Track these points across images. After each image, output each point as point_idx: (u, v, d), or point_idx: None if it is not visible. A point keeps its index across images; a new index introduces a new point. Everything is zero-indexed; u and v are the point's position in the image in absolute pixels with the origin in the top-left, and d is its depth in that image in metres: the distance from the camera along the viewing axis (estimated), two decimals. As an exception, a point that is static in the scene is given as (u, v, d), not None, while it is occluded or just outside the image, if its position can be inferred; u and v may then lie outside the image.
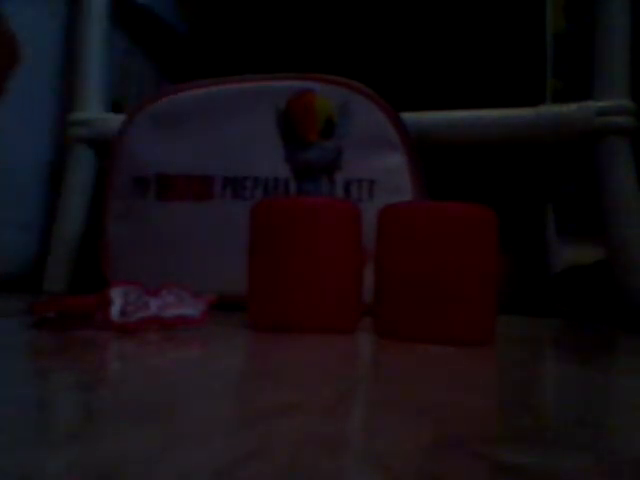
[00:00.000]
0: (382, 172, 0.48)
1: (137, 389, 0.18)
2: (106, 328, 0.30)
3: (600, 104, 0.51)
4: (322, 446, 0.13)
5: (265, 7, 0.67)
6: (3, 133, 0.59)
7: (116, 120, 0.58)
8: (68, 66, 0.65)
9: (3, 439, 0.13)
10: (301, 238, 0.34)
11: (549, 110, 0.53)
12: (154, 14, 0.74)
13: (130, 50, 0.73)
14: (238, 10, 0.68)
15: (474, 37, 0.62)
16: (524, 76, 0.61)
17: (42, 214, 0.63)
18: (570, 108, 0.52)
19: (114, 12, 0.66)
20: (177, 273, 0.47)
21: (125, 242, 0.52)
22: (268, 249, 0.34)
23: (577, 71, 0.63)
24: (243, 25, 0.68)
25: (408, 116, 0.51)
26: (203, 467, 0.11)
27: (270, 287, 0.34)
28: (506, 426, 0.16)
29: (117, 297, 0.31)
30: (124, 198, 0.52)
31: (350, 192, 0.48)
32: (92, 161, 0.63)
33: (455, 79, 0.61)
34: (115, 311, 0.30)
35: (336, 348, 0.30)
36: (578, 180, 0.64)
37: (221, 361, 0.26)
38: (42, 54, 0.63)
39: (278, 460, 0.12)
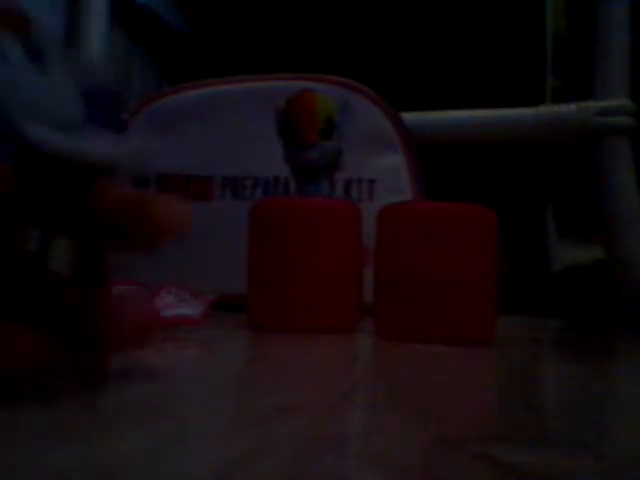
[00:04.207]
0: (382, 172, 0.48)
1: (137, 389, 0.18)
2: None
3: (600, 104, 0.51)
4: (322, 446, 0.13)
5: (265, 7, 0.67)
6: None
7: (116, 120, 0.58)
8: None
9: (4, 439, 0.13)
10: (301, 238, 0.34)
11: (549, 110, 0.53)
12: (154, 14, 0.74)
13: (130, 50, 0.73)
14: (239, 10, 0.68)
15: (474, 37, 0.62)
16: (524, 76, 0.61)
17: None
18: (570, 108, 0.52)
19: (114, 12, 0.66)
20: (177, 273, 0.47)
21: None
22: (268, 249, 0.34)
23: (577, 71, 0.63)
24: (243, 25, 0.68)
25: (408, 116, 0.51)
26: (203, 467, 0.11)
27: (270, 287, 0.34)
28: (506, 426, 0.16)
29: (117, 297, 0.31)
30: (124, 198, 0.52)
31: (350, 192, 0.48)
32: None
33: (455, 79, 0.61)
34: (115, 311, 0.30)
35: (336, 348, 0.30)
36: (578, 180, 0.64)
37: (221, 361, 0.26)
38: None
39: (278, 460, 0.12)
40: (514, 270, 0.60)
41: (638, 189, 0.50)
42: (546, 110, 0.53)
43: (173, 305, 0.32)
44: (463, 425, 0.15)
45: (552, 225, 0.68)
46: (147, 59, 0.75)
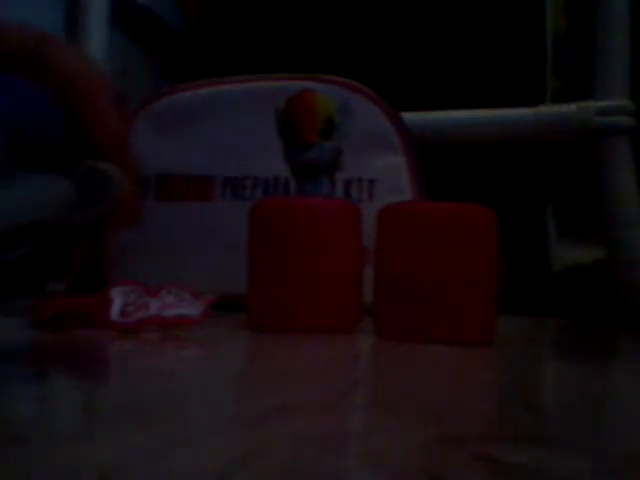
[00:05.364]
0: (382, 172, 0.48)
1: (137, 389, 0.18)
2: (106, 328, 0.30)
3: (600, 104, 0.51)
4: (322, 446, 0.13)
5: (265, 7, 0.67)
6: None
7: (116, 120, 0.58)
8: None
9: (3, 439, 0.13)
10: (301, 238, 0.34)
11: (549, 110, 0.53)
12: (154, 14, 0.74)
13: (130, 50, 0.73)
14: (238, 10, 0.68)
15: (474, 37, 0.62)
16: (524, 76, 0.61)
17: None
18: (570, 108, 0.52)
19: (114, 12, 0.66)
20: (177, 273, 0.47)
21: (125, 242, 0.51)
22: (268, 249, 0.34)
23: (577, 71, 0.63)
24: (243, 25, 0.68)
25: (408, 116, 0.51)
26: (203, 467, 0.11)
27: (270, 287, 0.34)
28: (506, 426, 0.16)
29: (117, 297, 0.31)
30: (124, 198, 0.52)
31: (350, 192, 0.48)
32: (92, 161, 0.63)
33: (455, 79, 0.61)
34: (115, 311, 0.30)
35: (336, 348, 0.30)
36: (578, 180, 0.64)
37: (221, 361, 0.26)
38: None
39: (278, 460, 0.12)
40: (514, 270, 0.60)
41: (638, 189, 0.50)
42: (546, 110, 0.53)
43: (173, 305, 0.32)
44: (463, 425, 0.15)
45: (552, 225, 0.68)
46: (147, 59, 0.75)
